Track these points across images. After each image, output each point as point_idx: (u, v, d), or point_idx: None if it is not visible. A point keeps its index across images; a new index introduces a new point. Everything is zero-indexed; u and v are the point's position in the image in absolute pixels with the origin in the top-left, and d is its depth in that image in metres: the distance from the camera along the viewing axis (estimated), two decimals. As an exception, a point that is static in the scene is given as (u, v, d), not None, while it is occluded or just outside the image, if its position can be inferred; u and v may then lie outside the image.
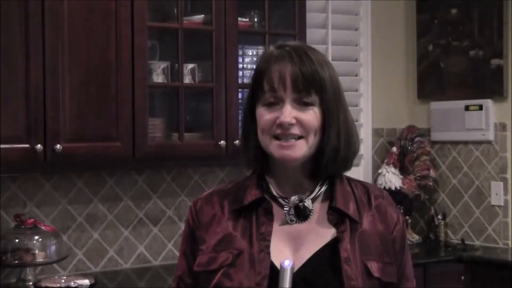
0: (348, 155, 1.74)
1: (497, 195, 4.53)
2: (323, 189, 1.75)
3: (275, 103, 1.68)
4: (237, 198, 1.76)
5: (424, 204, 4.84)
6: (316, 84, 1.68)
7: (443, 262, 4.29)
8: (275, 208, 1.74)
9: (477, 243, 4.62)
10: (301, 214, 1.72)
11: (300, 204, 1.72)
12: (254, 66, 1.79)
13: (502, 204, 4.52)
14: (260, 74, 1.71)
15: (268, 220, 1.72)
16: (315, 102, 1.68)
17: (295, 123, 1.67)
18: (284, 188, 1.75)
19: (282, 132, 1.67)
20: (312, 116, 1.68)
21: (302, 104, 1.68)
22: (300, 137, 1.68)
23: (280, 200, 1.74)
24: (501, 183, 4.51)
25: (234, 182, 1.81)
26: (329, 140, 1.70)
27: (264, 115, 1.69)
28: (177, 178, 4.13)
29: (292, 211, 1.72)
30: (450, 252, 4.46)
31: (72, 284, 3.44)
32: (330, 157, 1.71)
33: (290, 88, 1.67)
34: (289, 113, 1.66)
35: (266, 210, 1.73)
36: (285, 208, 1.73)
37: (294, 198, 1.72)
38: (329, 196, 1.75)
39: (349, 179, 1.80)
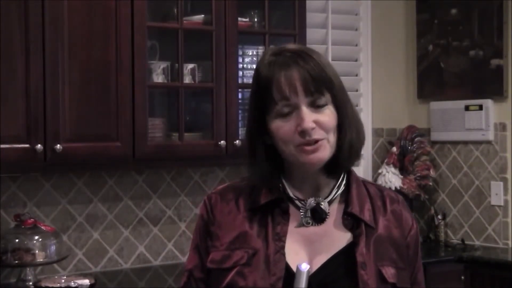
0: (359, 146, 1.73)
1: (497, 195, 4.53)
2: (339, 191, 1.74)
3: (290, 112, 1.66)
4: (253, 196, 1.74)
5: (424, 204, 4.84)
6: (326, 83, 1.67)
7: (443, 262, 4.29)
8: (291, 210, 1.72)
9: (477, 243, 4.62)
10: (318, 217, 1.71)
11: (316, 206, 1.71)
12: (253, 76, 1.73)
13: (502, 204, 4.52)
14: (266, 84, 1.68)
15: (284, 220, 1.70)
16: (328, 101, 1.67)
17: (315, 127, 1.65)
18: (301, 189, 1.73)
19: (304, 138, 1.65)
20: (329, 116, 1.67)
21: (316, 106, 1.66)
22: (322, 139, 1.66)
23: (297, 202, 1.72)
24: (501, 183, 4.51)
25: (248, 180, 1.78)
26: (345, 136, 1.69)
27: (283, 127, 1.66)
28: (177, 178, 4.13)
29: (309, 214, 1.71)
30: (450, 252, 4.46)
31: (72, 284, 3.44)
32: (347, 152, 1.70)
33: (302, 93, 1.65)
34: (308, 118, 1.64)
35: (282, 210, 1.72)
36: (301, 210, 1.72)
37: (310, 201, 1.71)
38: (345, 199, 1.74)
39: (364, 182, 1.79)
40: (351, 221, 1.71)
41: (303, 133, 1.65)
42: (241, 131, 3.84)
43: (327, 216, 1.71)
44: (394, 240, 1.73)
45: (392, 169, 4.67)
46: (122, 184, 3.97)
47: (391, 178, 4.65)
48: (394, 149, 4.72)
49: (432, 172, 4.74)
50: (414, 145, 4.76)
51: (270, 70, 1.68)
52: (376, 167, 4.83)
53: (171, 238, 4.12)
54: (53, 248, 3.49)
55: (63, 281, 3.48)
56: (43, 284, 3.44)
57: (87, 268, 3.86)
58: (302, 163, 1.68)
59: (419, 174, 4.72)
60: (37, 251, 3.44)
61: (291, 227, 1.71)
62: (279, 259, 1.66)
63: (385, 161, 4.73)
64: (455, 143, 4.74)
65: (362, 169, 4.79)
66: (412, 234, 1.78)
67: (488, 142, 4.57)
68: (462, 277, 4.20)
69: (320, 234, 1.71)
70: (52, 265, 3.66)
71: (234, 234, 1.71)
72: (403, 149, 4.75)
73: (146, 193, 4.04)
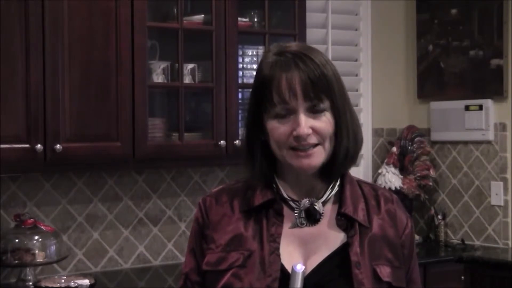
0: (356, 151, 1.73)
1: (497, 195, 4.53)
2: (333, 192, 1.74)
3: (287, 115, 1.66)
4: (247, 198, 1.74)
5: (424, 204, 4.84)
6: (325, 88, 1.66)
7: (443, 262, 4.29)
8: (285, 210, 1.72)
9: (477, 243, 4.62)
10: (312, 217, 1.71)
11: (310, 207, 1.71)
12: (255, 73, 1.73)
13: (502, 204, 4.52)
14: (266, 85, 1.67)
15: (278, 221, 1.71)
16: (327, 108, 1.67)
17: (311, 133, 1.65)
18: (295, 190, 1.73)
19: (299, 143, 1.65)
20: (326, 122, 1.67)
21: (314, 111, 1.66)
22: (317, 144, 1.66)
23: (291, 203, 1.72)
24: (501, 183, 4.51)
25: (243, 181, 1.79)
26: (341, 142, 1.69)
27: (278, 128, 1.66)
28: (177, 178, 4.13)
29: (303, 214, 1.71)
30: (450, 252, 4.47)
31: (72, 284, 3.44)
32: (342, 158, 1.70)
33: (302, 97, 1.64)
34: (305, 123, 1.64)
35: (276, 212, 1.72)
36: (295, 211, 1.72)
37: (305, 201, 1.71)
38: (339, 199, 1.73)
39: (359, 181, 1.79)
40: (344, 221, 1.71)
41: (298, 138, 1.65)
42: (241, 131, 3.84)
43: (321, 217, 1.71)
44: (389, 239, 1.73)
45: (392, 169, 4.67)
46: (122, 184, 3.97)
47: (391, 178, 4.65)
48: (394, 149, 4.72)
49: (432, 172, 4.74)
50: (414, 145, 4.76)
51: (271, 70, 1.67)
52: (376, 167, 4.83)
53: (171, 238, 4.12)
54: (53, 248, 3.49)
55: (63, 281, 3.48)
56: (43, 284, 3.44)
57: (87, 268, 3.86)
58: (294, 167, 1.68)
59: (419, 174, 4.72)
60: (37, 251, 3.44)
61: (286, 228, 1.71)
62: (274, 260, 1.66)
63: (385, 161, 4.73)
64: (455, 143, 4.74)
65: (362, 169, 4.80)
66: (407, 233, 1.77)
67: (488, 142, 4.57)
68: (462, 277, 4.20)
69: (315, 235, 1.71)
70: (52, 265, 3.66)
71: (229, 236, 1.71)
72: (403, 149, 4.75)
73: (146, 193, 4.04)
